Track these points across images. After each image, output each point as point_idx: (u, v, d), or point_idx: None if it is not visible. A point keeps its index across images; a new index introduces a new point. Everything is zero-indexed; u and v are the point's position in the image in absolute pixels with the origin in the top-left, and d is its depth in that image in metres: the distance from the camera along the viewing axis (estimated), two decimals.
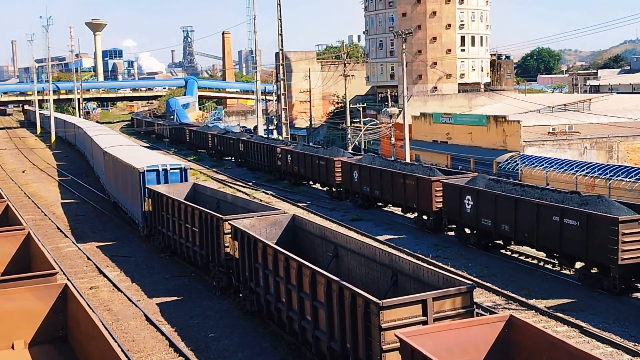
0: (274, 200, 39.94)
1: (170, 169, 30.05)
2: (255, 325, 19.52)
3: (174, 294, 23.01)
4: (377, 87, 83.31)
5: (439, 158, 51.76)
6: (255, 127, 75.83)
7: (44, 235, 32.56)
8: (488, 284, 22.75)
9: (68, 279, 24.35)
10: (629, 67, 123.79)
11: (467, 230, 28.34)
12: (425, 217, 31.18)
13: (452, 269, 24.01)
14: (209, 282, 23.53)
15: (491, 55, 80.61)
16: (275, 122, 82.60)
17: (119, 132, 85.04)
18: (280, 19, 64.75)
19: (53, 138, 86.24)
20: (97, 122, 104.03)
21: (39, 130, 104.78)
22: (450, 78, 74.08)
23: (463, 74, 75.96)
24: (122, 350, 17.21)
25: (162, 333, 19.23)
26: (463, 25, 75.38)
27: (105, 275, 25.52)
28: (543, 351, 10.55)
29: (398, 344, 11.26)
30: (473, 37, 76.42)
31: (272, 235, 20.21)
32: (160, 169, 29.73)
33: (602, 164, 38.92)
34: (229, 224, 20.34)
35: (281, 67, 67.50)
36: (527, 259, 26.15)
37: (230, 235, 20.46)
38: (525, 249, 26.64)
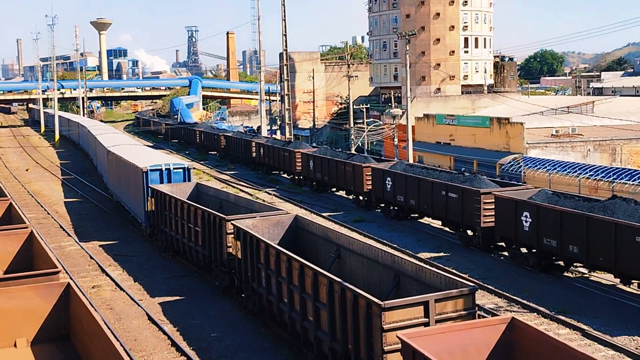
0: (276, 201, 39.98)
1: (174, 168, 30.07)
2: (257, 326, 19.53)
3: (176, 294, 23.04)
4: (380, 88, 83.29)
5: (442, 159, 51.74)
6: (259, 127, 75.90)
7: (46, 234, 32.61)
8: (490, 286, 22.74)
9: (71, 278, 24.37)
10: (632, 70, 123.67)
11: (391, 207, 34.09)
12: (360, 197, 37.31)
13: (454, 271, 24.01)
14: (211, 282, 23.55)
15: (494, 57, 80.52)
16: (278, 123, 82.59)
17: (123, 131, 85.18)
18: (285, 20, 64.72)
19: (57, 137, 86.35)
20: (101, 121, 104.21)
21: (42, 128, 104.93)
22: (454, 79, 74.04)
23: (466, 76, 75.92)
24: (124, 350, 17.16)
25: (164, 332, 19.25)
26: (467, 26, 75.32)
27: (107, 275, 25.55)
28: (545, 354, 10.54)
29: (400, 345, 11.25)
30: (476, 39, 76.36)
31: (275, 236, 20.22)
32: (164, 169, 29.75)
33: (605, 167, 38.87)
34: (232, 224, 20.35)
35: (285, 67, 67.47)
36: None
37: (232, 236, 20.46)
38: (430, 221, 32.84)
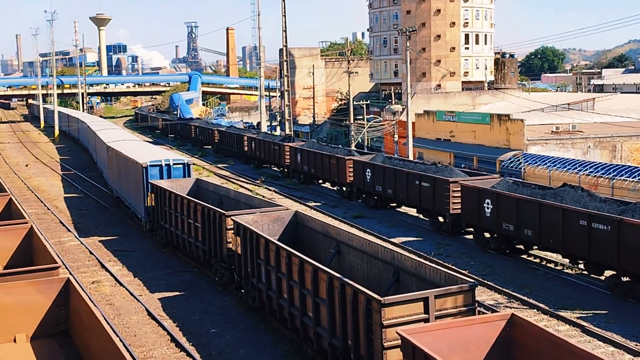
0: (276, 197, 39.96)
1: (173, 164, 30.04)
2: (257, 322, 19.54)
3: (175, 289, 23.04)
4: (380, 85, 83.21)
5: (442, 156, 51.67)
6: (259, 123, 75.87)
7: (46, 229, 32.61)
8: (490, 283, 22.74)
9: (70, 273, 24.39)
10: (633, 67, 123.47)
11: (370, 197, 36.00)
12: (343, 188, 39.12)
13: (454, 267, 24.01)
14: (211, 278, 23.56)
15: (495, 53, 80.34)
16: (278, 119, 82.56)
17: (123, 127, 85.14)
18: (285, 16, 64.66)
19: (56, 132, 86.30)
20: (101, 116, 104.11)
21: (42, 124, 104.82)
22: (454, 76, 73.94)
23: (467, 72, 75.78)
24: (124, 345, 17.23)
25: (164, 328, 19.25)
26: (467, 23, 75.17)
27: (107, 270, 25.55)
28: (544, 350, 10.53)
29: (399, 341, 11.26)
30: (477, 35, 76.24)
31: (275, 232, 20.22)
32: (163, 164, 29.73)
33: (605, 164, 38.83)
34: (232, 219, 20.34)
35: (285, 63, 67.41)
36: (532, 259, 26.24)
37: (232, 231, 20.46)
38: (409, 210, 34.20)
